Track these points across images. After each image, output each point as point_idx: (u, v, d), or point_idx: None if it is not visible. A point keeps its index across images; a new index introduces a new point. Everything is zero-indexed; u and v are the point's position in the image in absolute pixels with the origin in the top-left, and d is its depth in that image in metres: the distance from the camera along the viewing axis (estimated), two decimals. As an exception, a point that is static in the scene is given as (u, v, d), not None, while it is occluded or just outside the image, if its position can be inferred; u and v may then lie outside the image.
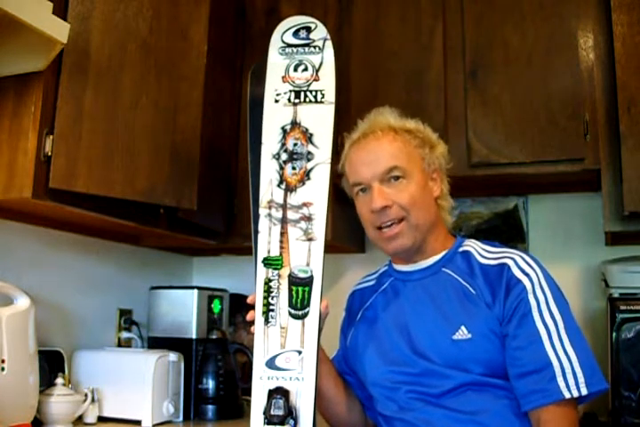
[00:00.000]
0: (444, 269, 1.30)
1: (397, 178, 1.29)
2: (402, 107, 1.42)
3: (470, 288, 1.24)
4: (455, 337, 1.21)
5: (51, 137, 1.52)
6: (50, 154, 1.51)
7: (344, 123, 2.16)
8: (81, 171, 1.57)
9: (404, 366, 1.26)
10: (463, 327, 1.21)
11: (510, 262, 1.23)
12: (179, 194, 1.81)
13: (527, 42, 2.01)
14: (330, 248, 2.13)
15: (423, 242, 1.32)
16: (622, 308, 1.82)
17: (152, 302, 2.13)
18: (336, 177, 2.11)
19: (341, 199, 2.22)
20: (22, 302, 1.57)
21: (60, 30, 1.38)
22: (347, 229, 2.31)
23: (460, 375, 1.20)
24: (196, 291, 2.07)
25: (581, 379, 1.13)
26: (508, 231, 2.26)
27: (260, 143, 1.36)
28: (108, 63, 1.64)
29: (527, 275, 1.21)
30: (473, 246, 1.32)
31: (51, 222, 1.86)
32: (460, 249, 1.32)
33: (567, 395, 1.12)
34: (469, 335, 1.20)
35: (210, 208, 2.06)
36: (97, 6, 1.61)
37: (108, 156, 1.63)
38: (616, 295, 1.88)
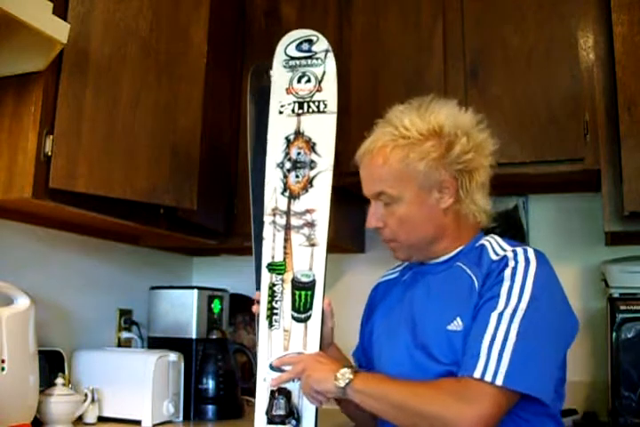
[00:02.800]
0: (458, 263, 1.28)
1: (387, 202, 1.28)
2: (402, 107, 1.41)
3: (475, 281, 1.23)
4: (449, 327, 1.20)
5: (51, 137, 1.52)
6: (50, 154, 1.51)
7: (344, 123, 2.17)
8: (81, 171, 1.57)
9: (404, 360, 1.26)
10: (458, 318, 1.20)
11: (510, 255, 1.21)
12: (179, 194, 1.81)
13: (527, 42, 2.02)
14: (330, 248, 2.12)
15: (427, 250, 1.31)
16: (622, 308, 1.82)
17: (152, 302, 2.13)
18: (339, 177, 2.11)
19: (342, 200, 2.23)
20: (22, 302, 1.57)
21: (60, 30, 1.38)
22: (347, 229, 2.31)
23: (454, 369, 1.18)
24: (195, 291, 2.07)
25: (503, 369, 1.08)
26: (508, 231, 2.26)
27: (260, 144, 1.37)
28: (108, 63, 1.64)
29: (514, 269, 1.18)
30: (490, 241, 1.29)
31: (51, 222, 1.86)
32: (477, 244, 1.30)
33: (477, 375, 1.08)
34: (461, 326, 1.19)
35: (210, 208, 2.06)
36: (97, 6, 1.61)
37: (108, 156, 1.63)
38: (616, 295, 1.88)
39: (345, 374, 1.17)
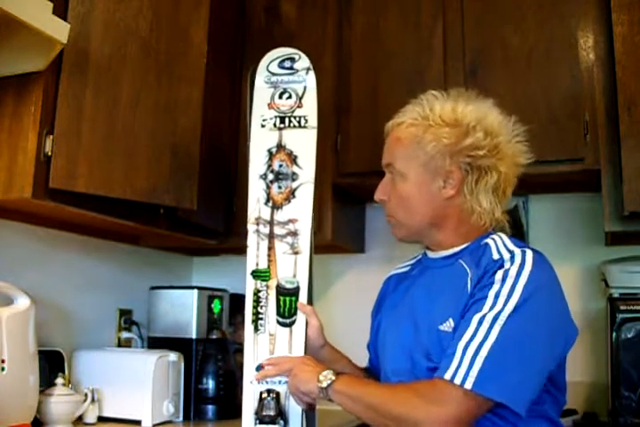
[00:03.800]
0: (460, 260, 1.27)
1: (395, 175, 1.31)
2: (402, 107, 1.41)
3: (469, 281, 1.21)
4: (441, 327, 1.20)
5: (51, 137, 1.52)
6: (50, 154, 1.51)
7: (344, 123, 2.18)
8: (81, 171, 1.57)
9: (403, 357, 1.26)
10: (450, 319, 1.19)
11: (507, 257, 1.19)
12: (179, 194, 1.81)
13: (527, 42, 2.02)
14: (330, 248, 2.12)
15: (427, 236, 1.31)
16: (622, 308, 1.82)
17: (152, 302, 2.13)
18: (337, 177, 2.12)
19: (342, 200, 2.23)
20: (22, 302, 1.57)
21: (60, 30, 1.38)
22: (347, 229, 2.31)
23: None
24: (195, 291, 2.07)
25: (474, 372, 1.07)
26: (508, 231, 2.26)
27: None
28: (108, 63, 1.64)
29: (507, 271, 1.16)
30: (495, 239, 1.27)
31: (51, 222, 1.86)
32: (482, 242, 1.28)
33: (448, 376, 1.08)
34: (452, 327, 1.18)
35: (210, 208, 2.06)
36: (97, 6, 1.61)
37: (108, 156, 1.63)
38: (616, 295, 1.88)
39: (327, 376, 1.19)
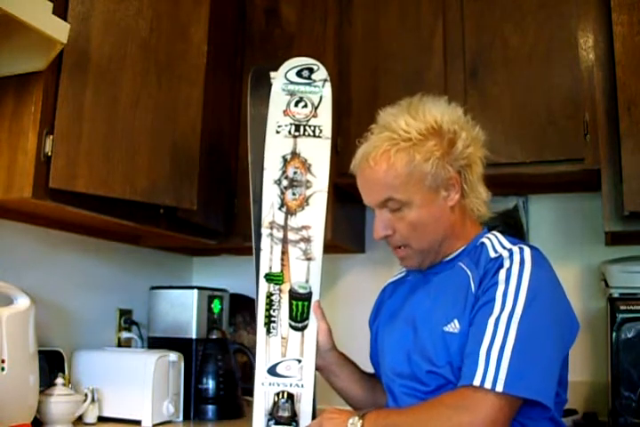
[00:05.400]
0: (460, 263, 1.27)
1: (395, 208, 1.26)
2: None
3: (472, 282, 1.22)
4: (446, 329, 1.20)
5: (51, 137, 1.52)
6: (50, 154, 1.51)
7: (344, 123, 2.18)
8: (81, 171, 1.57)
9: (403, 360, 1.26)
10: (455, 320, 1.19)
11: (505, 254, 1.20)
12: (179, 194, 1.81)
13: (527, 41, 2.02)
14: (330, 248, 2.12)
15: (437, 252, 1.30)
16: (622, 308, 1.82)
17: (152, 302, 2.13)
18: (337, 177, 2.12)
19: (342, 199, 2.23)
20: (22, 302, 1.57)
21: (60, 30, 1.38)
22: (347, 230, 2.31)
23: (448, 372, 1.18)
24: (195, 291, 2.07)
25: (502, 374, 1.07)
26: (508, 231, 2.25)
27: (261, 145, 1.40)
28: (108, 63, 1.64)
29: (509, 270, 1.16)
30: (490, 238, 1.28)
31: (51, 222, 1.86)
32: (479, 242, 1.29)
33: (476, 382, 1.08)
34: (458, 329, 1.18)
35: (210, 208, 2.06)
36: (97, 6, 1.61)
37: (108, 156, 1.63)
38: (616, 295, 1.88)
39: (354, 422, 1.17)
